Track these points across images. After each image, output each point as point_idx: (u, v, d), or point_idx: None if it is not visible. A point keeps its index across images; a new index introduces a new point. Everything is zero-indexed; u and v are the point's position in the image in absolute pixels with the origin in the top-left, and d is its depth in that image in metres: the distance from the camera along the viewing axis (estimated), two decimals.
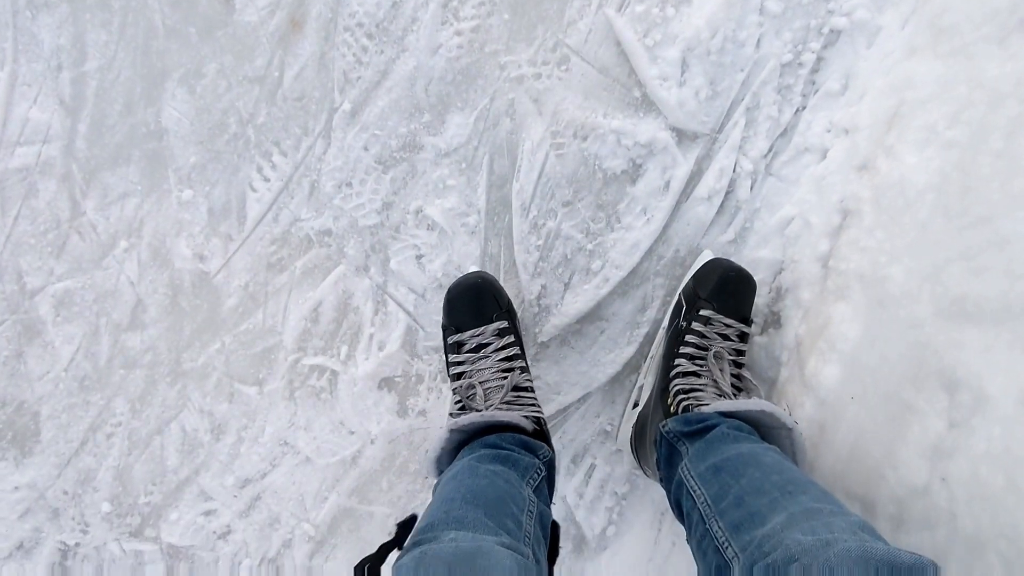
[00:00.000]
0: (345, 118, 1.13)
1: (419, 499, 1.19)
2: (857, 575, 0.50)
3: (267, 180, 1.15)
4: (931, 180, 0.79)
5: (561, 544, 1.14)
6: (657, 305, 1.12)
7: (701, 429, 0.82)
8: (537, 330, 1.13)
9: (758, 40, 1.07)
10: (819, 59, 1.07)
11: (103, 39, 1.14)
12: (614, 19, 1.09)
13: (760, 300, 1.05)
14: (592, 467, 1.16)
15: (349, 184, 1.14)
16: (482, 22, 1.11)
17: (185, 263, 1.17)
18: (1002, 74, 0.75)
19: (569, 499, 1.16)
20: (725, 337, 0.95)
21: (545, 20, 1.10)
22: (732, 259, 1.03)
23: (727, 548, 0.65)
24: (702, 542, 0.70)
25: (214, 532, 1.21)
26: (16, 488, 1.22)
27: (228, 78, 1.14)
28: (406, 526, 0.65)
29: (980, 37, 0.81)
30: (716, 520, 0.68)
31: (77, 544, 1.23)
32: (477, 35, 1.11)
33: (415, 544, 0.64)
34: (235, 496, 1.20)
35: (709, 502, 0.71)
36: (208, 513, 1.21)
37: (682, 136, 1.09)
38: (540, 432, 0.95)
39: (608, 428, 1.15)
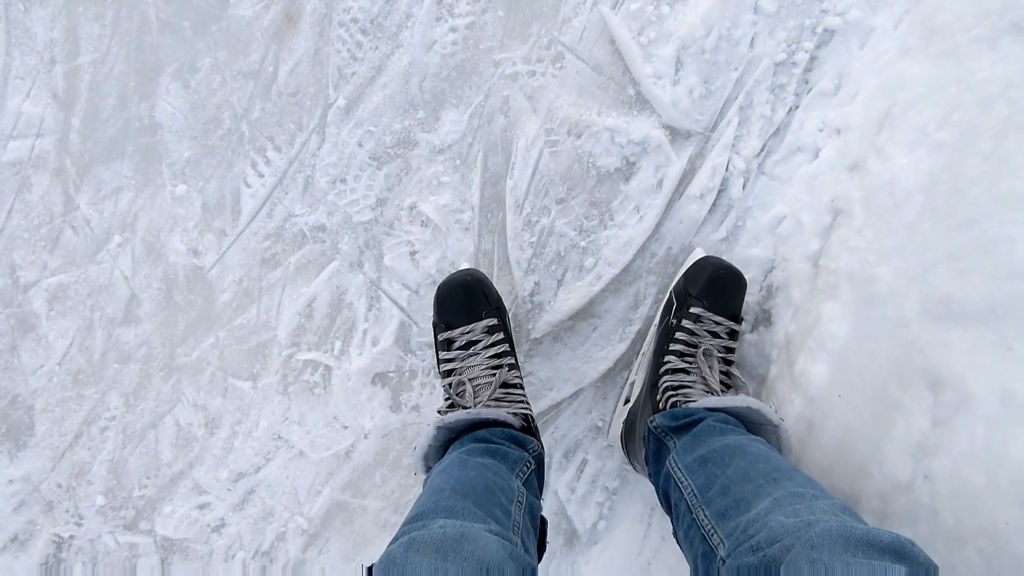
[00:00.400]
0: (339, 114, 1.13)
1: (412, 493, 1.19)
2: (838, 553, 0.51)
3: (261, 176, 1.15)
4: (920, 181, 0.80)
5: (551, 539, 1.15)
6: (649, 302, 1.12)
7: (688, 423, 0.83)
8: (530, 326, 1.14)
9: (752, 39, 1.08)
10: (812, 58, 1.08)
11: (96, 32, 1.14)
12: (609, 17, 1.09)
13: (751, 298, 1.05)
14: (584, 462, 1.17)
15: (343, 180, 1.14)
16: (477, 19, 1.11)
17: (179, 258, 1.17)
18: (992, 76, 0.76)
19: (561, 494, 1.17)
20: (715, 335, 0.95)
21: (540, 17, 1.11)
22: (724, 257, 1.04)
23: (713, 535, 0.66)
24: (689, 531, 0.71)
25: (208, 525, 1.22)
26: (10, 481, 1.22)
27: (222, 73, 1.14)
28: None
29: (971, 39, 0.82)
30: (703, 509, 0.69)
31: (71, 537, 1.23)
32: (472, 32, 1.11)
33: (404, 533, 0.65)
34: (229, 490, 1.21)
35: (696, 492, 0.72)
36: (202, 506, 1.22)
37: (675, 134, 1.10)
38: (528, 428, 0.96)
39: (600, 424, 1.16)
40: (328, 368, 1.17)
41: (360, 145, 1.13)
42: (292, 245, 1.16)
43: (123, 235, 1.17)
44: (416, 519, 0.67)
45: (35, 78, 1.15)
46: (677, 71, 1.08)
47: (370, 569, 0.62)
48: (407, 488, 1.19)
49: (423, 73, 1.12)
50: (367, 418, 1.17)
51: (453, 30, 1.11)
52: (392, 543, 0.64)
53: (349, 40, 1.12)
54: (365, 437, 1.18)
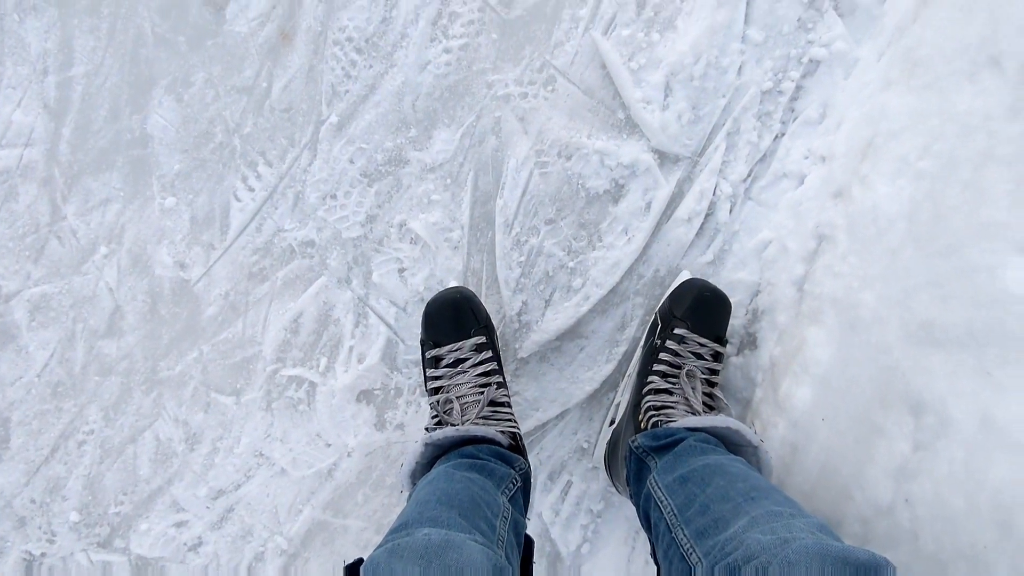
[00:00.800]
0: (332, 131, 1.14)
1: (394, 513, 1.18)
2: (814, 571, 0.51)
3: (251, 190, 1.15)
4: (902, 209, 0.81)
5: (536, 560, 1.14)
6: (636, 324, 1.13)
7: (670, 443, 0.83)
8: (517, 346, 1.14)
9: (740, 67, 1.10)
10: (798, 88, 1.10)
11: (91, 44, 1.14)
12: (600, 42, 1.11)
13: (737, 321, 1.06)
14: (568, 484, 1.16)
15: (334, 196, 1.14)
16: (471, 41, 1.12)
17: (165, 271, 1.16)
18: (971, 108, 0.78)
19: (545, 516, 1.16)
20: (699, 356, 0.96)
21: (533, 41, 1.12)
22: (710, 280, 1.04)
23: (691, 554, 0.66)
24: (668, 551, 0.71)
25: (185, 544, 1.19)
26: None
27: (216, 87, 1.14)
28: (352, 570, 0.65)
29: (951, 71, 0.84)
30: (682, 528, 0.69)
31: (43, 554, 1.20)
32: (465, 53, 1.12)
33: (388, 540, 0.64)
34: (208, 507, 1.19)
35: (675, 511, 0.72)
36: (179, 524, 1.19)
37: (664, 158, 1.11)
38: (516, 447, 0.95)
39: (585, 445, 1.15)
40: (313, 384, 1.16)
41: (351, 162, 1.14)
42: (280, 260, 1.15)
43: (109, 246, 1.16)
44: (400, 528, 0.67)
45: (27, 88, 1.15)
46: (666, 96, 1.10)
47: (349, 567, 0.62)
48: (389, 508, 1.18)
49: (416, 92, 1.13)
50: (351, 436, 1.16)
51: (447, 51, 1.12)
52: (376, 550, 0.63)
53: (343, 58, 1.13)
54: (348, 455, 1.17)
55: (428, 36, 1.12)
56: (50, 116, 1.15)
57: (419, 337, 1.05)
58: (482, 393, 0.95)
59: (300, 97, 1.14)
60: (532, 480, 1.02)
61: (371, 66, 1.13)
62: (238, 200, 1.15)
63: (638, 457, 0.88)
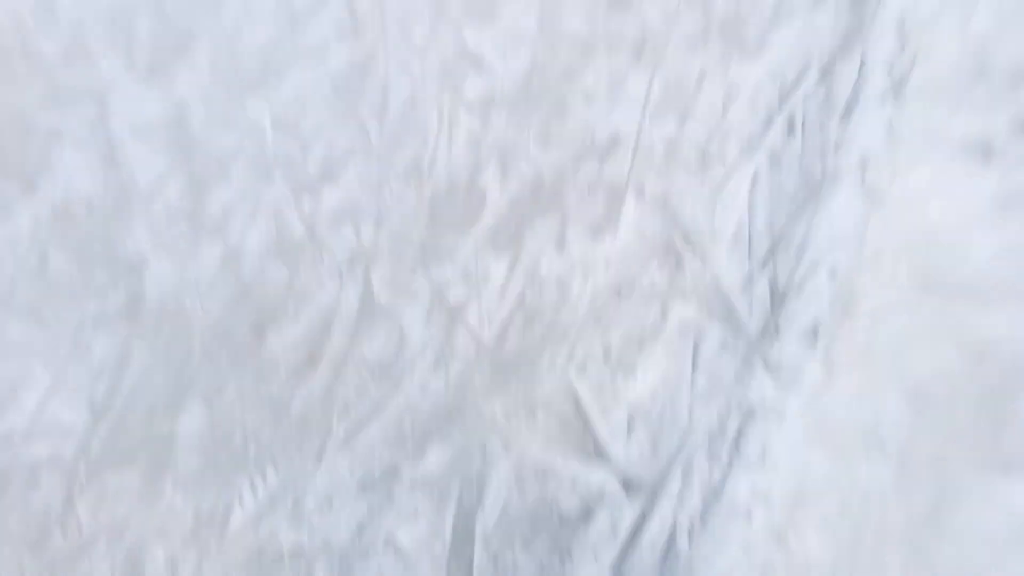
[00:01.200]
0: (337, 443, 1.29)
1: None
2: None
3: (255, 493, 1.26)
4: (828, 561, 0.94)
5: None
6: None
7: None
8: None
9: (690, 412, 1.31)
10: (740, 431, 1.30)
11: (147, 358, 1.34)
12: (574, 381, 1.34)
13: None
14: None
15: (330, 505, 1.25)
16: (467, 374, 1.34)
17: (156, 571, 1.21)
18: (869, 481, 0.96)
19: None
20: None
21: (519, 376, 1.35)
22: None
23: None
24: None
25: None
26: None
27: (243, 399, 1.33)
28: None
29: (852, 444, 1.04)
30: None
31: None
32: (462, 383, 1.34)
33: None
34: None
35: None
36: None
37: (629, 486, 1.26)
38: None
39: None
40: None
41: (351, 473, 1.27)
42: (269, 567, 1.21)
43: (108, 543, 1.22)
44: None
45: (79, 388, 1.32)
46: (629, 433, 1.29)
47: None
48: None
49: (416, 414, 1.31)
50: None
51: (447, 380, 1.34)
52: None
53: (359, 381, 1.34)
54: None
55: (431, 368, 1.35)
56: (91, 414, 1.30)
57: None
58: None
59: (315, 411, 1.32)
60: None
61: (381, 389, 1.33)
62: (241, 500, 1.25)
63: None
